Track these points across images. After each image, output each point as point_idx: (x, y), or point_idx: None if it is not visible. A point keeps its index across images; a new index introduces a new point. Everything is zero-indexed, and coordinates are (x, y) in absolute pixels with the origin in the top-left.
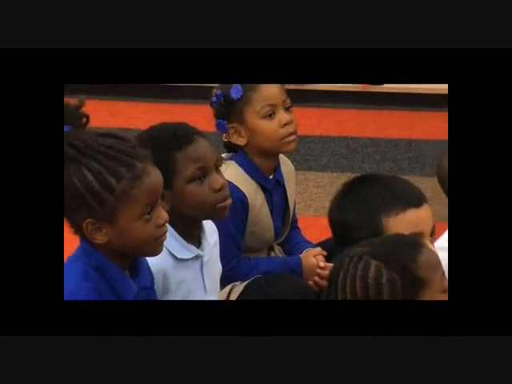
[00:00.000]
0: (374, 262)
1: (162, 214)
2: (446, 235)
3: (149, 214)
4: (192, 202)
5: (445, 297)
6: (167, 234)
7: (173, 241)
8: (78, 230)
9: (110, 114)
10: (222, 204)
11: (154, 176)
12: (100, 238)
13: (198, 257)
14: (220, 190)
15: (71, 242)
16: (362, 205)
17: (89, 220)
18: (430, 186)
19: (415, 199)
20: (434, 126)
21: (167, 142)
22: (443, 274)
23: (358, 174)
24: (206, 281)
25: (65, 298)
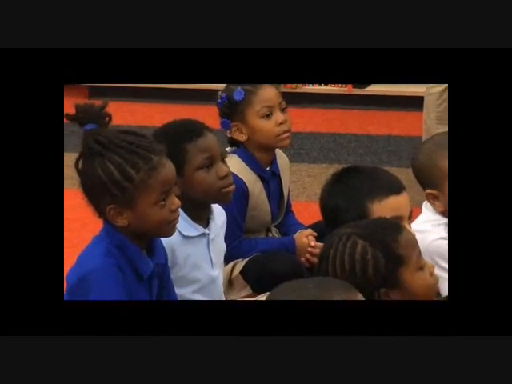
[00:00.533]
0: (360, 242)
1: (175, 200)
2: (420, 218)
3: (163, 200)
4: (200, 187)
5: (421, 274)
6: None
7: (181, 220)
8: (101, 214)
9: (130, 114)
10: (226, 189)
11: (168, 168)
12: (121, 222)
13: (204, 234)
14: (225, 177)
15: (71, 242)
16: (349, 192)
17: (111, 206)
18: (406, 176)
19: (395, 187)
20: (410, 124)
21: (180, 135)
22: (420, 252)
23: (345, 166)
24: (212, 255)
25: (88, 275)
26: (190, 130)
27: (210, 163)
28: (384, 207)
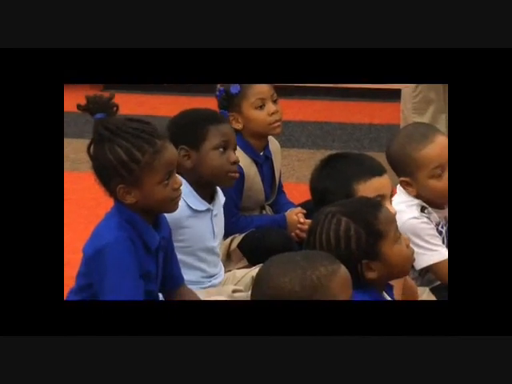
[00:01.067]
0: (344, 219)
1: (177, 179)
2: (395, 199)
3: (167, 180)
4: (211, 165)
5: (399, 247)
6: (189, 192)
7: (191, 196)
8: (112, 193)
9: (137, 105)
10: (232, 174)
11: (171, 150)
12: (129, 200)
13: (209, 210)
14: (234, 163)
15: (88, 219)
16: (337, 175)
17: (120, 186)
18: (386, 160)
19: (378, 170)
20: (389, 114)
21: (205, 117)
22: (397, 227)
23: (331, 152)
24: (214, 228)
25: (104, 247)
26: (214, 116)
27: (224, 146)
28: (369, 188)
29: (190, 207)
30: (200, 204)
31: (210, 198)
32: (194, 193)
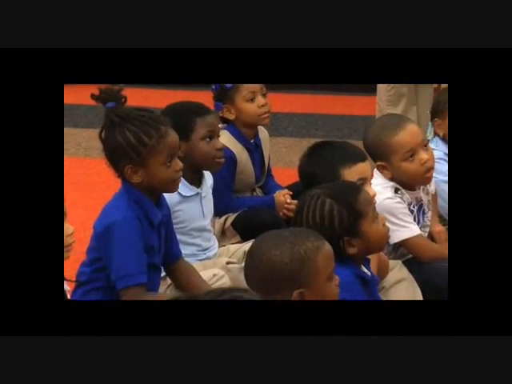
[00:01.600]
0: (328, 200)
1: (179, 163)
2: (372, 182)
3: (169, 162)
4: (200, 152)
5: (376, 225)
6: None
7: (181, 184)
8: (120, 174)
9: (142, 99)
10: (218, 160)
11: (173, 136)
12: (136, 179)
13: (198, 194)
14: (220, 149)
15: (82, 221)
16: (324, 161)
17: (129, 166)
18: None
19: (361, 156)
20: (366, 106)
21: (192, 110)
22: (375, 208)
23: (315, 140)
24: (204, 209)
25: (113, 225)
26: (201, 108)
27: (210, 136)
28: (353, 172)
29: (180, 193)
30: (189, 190)
31: (198, 182)
32: (184, 180)
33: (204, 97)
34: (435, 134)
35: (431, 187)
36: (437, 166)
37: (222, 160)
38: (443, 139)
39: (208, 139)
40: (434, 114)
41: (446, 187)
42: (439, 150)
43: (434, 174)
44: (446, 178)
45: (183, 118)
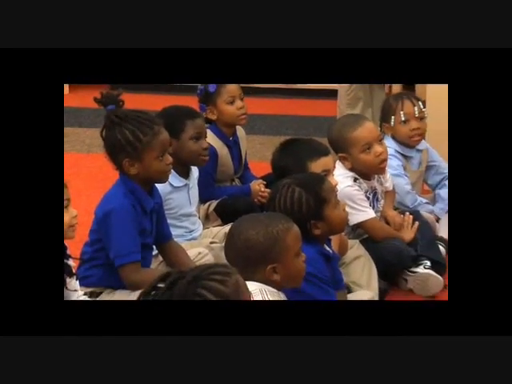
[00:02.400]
0: (297, 189)
1: (169, 157)
2: (335, 172)
3: (161, 156)
4: (188, 150)
5: (338, 210)
6: None
7: (172, 176)
8: (118, 167)
9: (139, 103)
10: (203, 157)
11: (165, 134)
12: (132, 171)
13: (186, 185)
14: (205, 149)
15: (85, 208)
16: (293, 155)
17: (126, 160)
18: (327, 143)
19: (325, 151)
20: (329, 108)
21: (184, 113)
22: (336, 195)
23: (285, 137)
24: (191, 198)
25: (111, 211)
26: (191, 112)
27: (198, 137)
28: (318, 165)
29: (171, 184)
30: (179, 181)
31: (186, 175)
32: (174, 172)
33: (194, 102)
34: (384, 134)
35: (388, 183)
36: (389, 161)
37: (207, 158)
38: (394, 138)
39: (196, 139)
40: (383, 119)
41: (396, 180)
42: (390, 148)
43: (386, 168)
44: (396, 172)
45: (176, 119)
